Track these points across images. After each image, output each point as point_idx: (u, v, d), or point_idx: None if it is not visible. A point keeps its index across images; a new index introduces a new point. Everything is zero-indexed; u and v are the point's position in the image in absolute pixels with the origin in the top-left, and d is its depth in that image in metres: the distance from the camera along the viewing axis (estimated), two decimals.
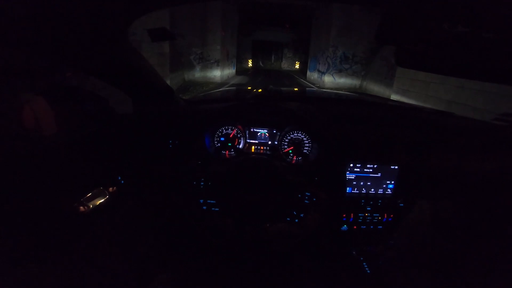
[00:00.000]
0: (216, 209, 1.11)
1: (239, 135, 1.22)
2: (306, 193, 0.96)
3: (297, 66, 23.19)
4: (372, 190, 1.14)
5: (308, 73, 16.16)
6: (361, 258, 1.10)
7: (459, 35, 0.56)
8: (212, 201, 1.11)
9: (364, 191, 1.14)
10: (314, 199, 0.96)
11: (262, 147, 1.23)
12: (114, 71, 0.91)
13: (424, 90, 7.02)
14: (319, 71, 13.68)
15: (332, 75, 12.23)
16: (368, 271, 1.05)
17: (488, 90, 4.85)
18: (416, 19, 0.60)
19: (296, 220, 0.98)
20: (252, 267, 1.03)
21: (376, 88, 10.40)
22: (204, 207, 1.11)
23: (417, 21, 0.60)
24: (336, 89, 10.97)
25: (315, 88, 9.89)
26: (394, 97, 8.26)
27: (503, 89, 4.43)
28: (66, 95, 0.94)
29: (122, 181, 1.04)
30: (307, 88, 7.62)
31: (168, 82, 1.09)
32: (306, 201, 0.96)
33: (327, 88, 11.15)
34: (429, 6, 0.55)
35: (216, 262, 1.06)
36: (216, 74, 12.09)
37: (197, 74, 11.45)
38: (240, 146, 1.22)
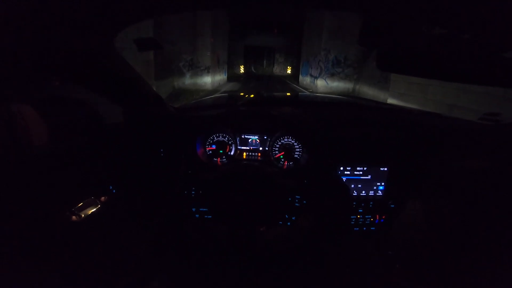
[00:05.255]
0: (209, 216, 1.14)
1: (230, 142, 1.26)
2: (296, 196, 1.00)
3: (289, 71, 23.41)
4: (363, 192, 1.19)
5: (301, 77, 16.28)
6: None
7: (437, 37, 0.61)
8: (204, 209, 1.14)
9: (355, 193, 1.19)
10: (305, 202, 1.00)
11: (253, 153, 1.28)
12: (102, 80, 0.94)
13: (422, 93, 6.78)
14: (311, 75, 13.81)
15: (325, 79, 12.33)
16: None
17: (492, 93, 4.49)
18: (395, 22, 0.64)
19: (289, 223, 1.02)
20: (248, 270, 1.06)
21: (370, 92, 10.36)
22: (197, 215, 1.15)
23: (397, 24, 0.63)
24: (329, 93, 11.04)
25: (308, 93, 10.01)
26: (390, 101, 8.04)
27: (508, 92, 4.11)
28: (57, 105, 0.97)
29: (114, 191, 1.07)
30: (299, 93, 7.68)
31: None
32: (297, 204, 1.00)
33: (320, 93, 11.24)
34: (408, 9, 0.58)
35: (211, 267, 1.09)
36: (207, 81, 12.09)
37: (187, 81, 11.42)
38: (231, 153, 1.27)
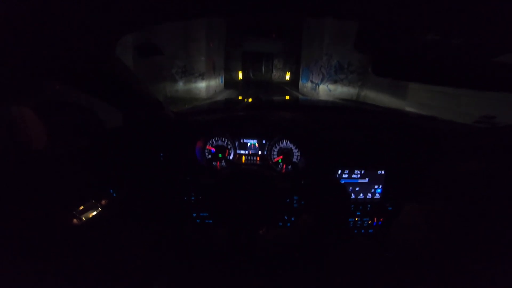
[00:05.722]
0: (210, 221, 1.17)
1: (229, 146, 1.30)
2: (294, 197, 1.04)
3: (287, 77, 23.49)
4: (361, 195, 1.23)
5: (301, 84, 15.95)
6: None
7: (430, 43, 0.65)
8: (204, 214, 1.17)
9: (353, 196, 1.22)
10: (303, 202, 1.04)
11: (252, 158, 1.32)
12: (102, 84, 0.97)
13: (451, 104, 5.69)
14: (312, 82, 13.56)
15: (327, 86, 12.00)
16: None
17: None
18: (390, 28, 0.67)
19: (288, 224, 1.05)
20: (248, 272, 1.08)
21: (378, 98, 9.63)
22: (198, 220, 1.18)
23: (391, 30, 0.66)
24: None
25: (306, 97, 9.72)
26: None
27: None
28: (58, 109, 1.01)
29: (114, 194, 1.10)
30: (300, 97, 7.65)
31: None
32: (295, 205, 1.04)
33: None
34: (402, 16, 0.60)
35: (211, 269, 1.12)
36: (201, 88, 11.64)
37: (180, 88, 10.97)
38: (231, 157, 1.30)
